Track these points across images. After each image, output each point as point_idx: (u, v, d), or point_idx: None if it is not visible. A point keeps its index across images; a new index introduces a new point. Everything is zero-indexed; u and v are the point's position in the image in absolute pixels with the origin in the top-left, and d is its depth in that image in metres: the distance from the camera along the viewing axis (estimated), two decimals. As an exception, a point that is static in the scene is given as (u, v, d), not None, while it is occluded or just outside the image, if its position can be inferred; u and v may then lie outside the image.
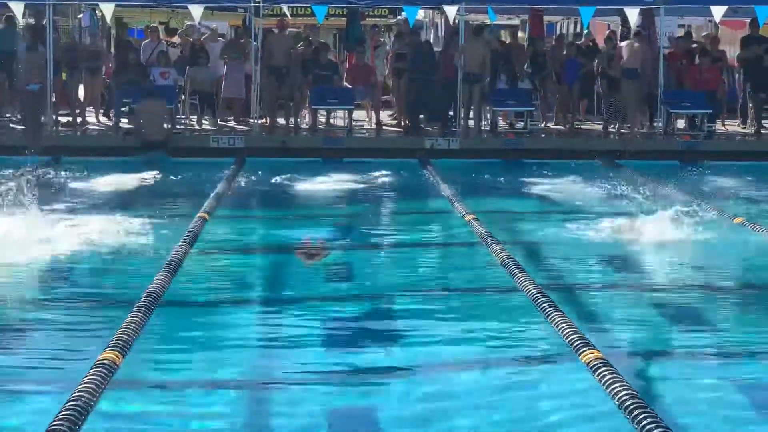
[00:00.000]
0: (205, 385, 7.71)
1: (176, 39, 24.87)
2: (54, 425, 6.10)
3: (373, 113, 22.94)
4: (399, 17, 25.87)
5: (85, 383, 6.86)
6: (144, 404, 7.32)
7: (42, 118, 20.96)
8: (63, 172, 17.63)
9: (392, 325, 9.08)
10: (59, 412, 6.30)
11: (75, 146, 20.18)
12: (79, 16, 25.92)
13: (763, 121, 21.78)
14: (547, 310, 8.85)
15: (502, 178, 18.37)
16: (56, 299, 9.61)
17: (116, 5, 21.85)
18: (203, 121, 22.18)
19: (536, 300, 9.21)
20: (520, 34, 28.58)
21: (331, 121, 22.50)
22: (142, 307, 8.71)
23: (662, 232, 12.02)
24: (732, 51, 23.85)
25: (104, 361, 7.32)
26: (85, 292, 9.83)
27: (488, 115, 22.22)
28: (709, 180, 17.32)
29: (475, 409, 7.22)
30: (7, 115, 22.15)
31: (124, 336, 7.93)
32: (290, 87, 21.69)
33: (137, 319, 8.38)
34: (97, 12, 24.13)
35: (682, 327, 9.27)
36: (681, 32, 25.94)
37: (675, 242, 11.70)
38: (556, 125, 23.18)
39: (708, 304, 9.93)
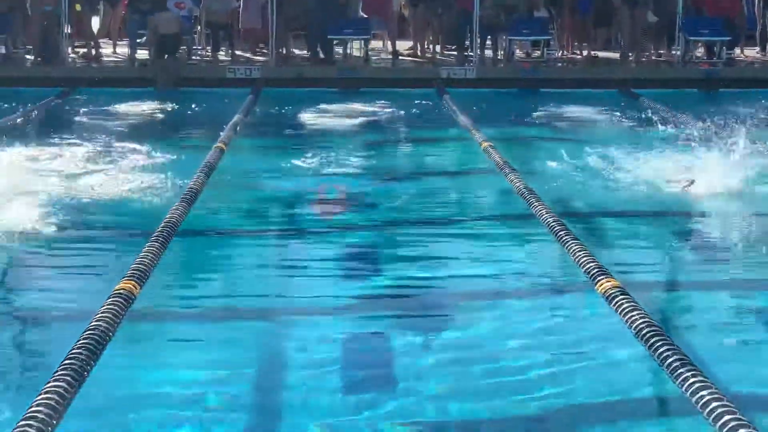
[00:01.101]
0: (223, 315, 7.73)
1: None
2: (72, 354, 6.12)
3: (389, 43, 22.82)
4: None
5: (102, 313, 6.88)
6: (162, 334, 7.34)
7: (58, 44, 20.89)
8: (79, 103, 17.61)
9: (408, 253, 9.07)
10: (77, 342, 6.32)
11: (91, 77, 20.16)
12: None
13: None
14: (564, 238, 8.83)
15: (518, 108, 18.28)
16: (73, 230, 9.62)
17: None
18: (219, 53, 22.11)
19: (552, 228, 9.19)
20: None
21: (348, 51, 22.40)
22: (159, 237, 8.72)
23: (681, 161, 11.96)
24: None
25: (121, 291, 7.34)
26: (101, 223, 9.84)
27: (505, 45, 22.07)
28: (728, 107, 17.19)
29: (491, 337, 7.22)
30: (21, 48, 22.09)
31: (141, 266, 7.94)
32: (306, 16, 21.56)
33: (154, 250, 8.39)
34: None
35: (701, 256, 9.24)
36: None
37: (695, 170, 11.63)
38: (572, 54, 23.02)
39: (729, 232, 9.86)
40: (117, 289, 7.35)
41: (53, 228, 9.58)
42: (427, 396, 6.31)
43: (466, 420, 6.06)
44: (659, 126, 14.24)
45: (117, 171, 11.97)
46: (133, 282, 7.57)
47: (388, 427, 5.85)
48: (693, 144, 12.17)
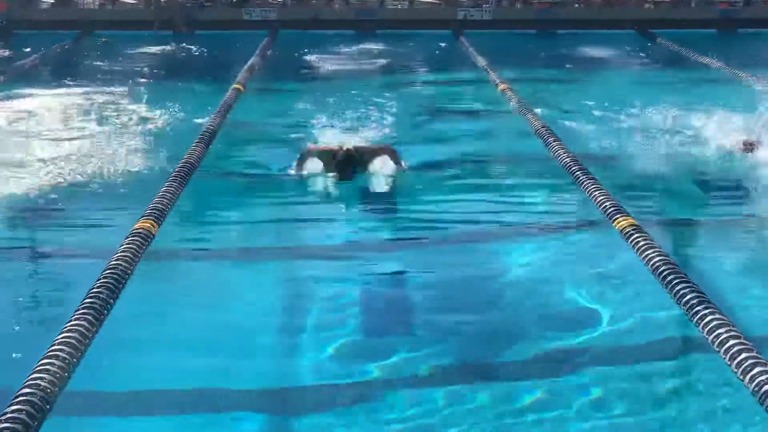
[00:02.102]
0: (240, 253, 7.75)
1: None
2: (93, 292, 6.17)
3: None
4: None
5: (121, 251, 6.93)
6: (179, 273, 7.37)
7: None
8: (95, 46, 17.59)
9: (425, 193, 9.04)
10: (98, 279, 6.37)
11: (107, 20, 20.13)
12: None
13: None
14: (581, 178, 8.84)
15: (534, 49, 18.19)
16: (91, 169, 9.64)
17: None
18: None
19: (570, 168, 9.20)
20: None
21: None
22: (177, 177, 8.76)
23: (697, 101, 11.91)
24: None
25: (140, 230, 7.38)
26: (120, 162, 9.85)
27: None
28: (746, 48, 17.08)
29: (508, 273, 7.23)
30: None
31: (159, 205, 7.98)
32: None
33: (172, 189, 8.43)
34: None
35: (717, 194, 9.20)
36: None
37: (711, 110, 11.58)
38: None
39: (748, 171, 9.79)
40: (135, 228, 7.39)
41: (70, 168, 9.60)
42: (448, 326, 6.35)
43: (486, 351, 6.09)
44: (675, 66, 14.16)
45: (134, 112, 11.98)
46: (151, 221, 7.62)
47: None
48: (709, 84, 12.11)
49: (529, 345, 6.17)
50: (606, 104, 12.53)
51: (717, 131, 10.74)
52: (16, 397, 4.95)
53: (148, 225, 7.52)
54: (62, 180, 9.24)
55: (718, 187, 9.40)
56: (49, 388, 5.06)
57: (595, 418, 5.38)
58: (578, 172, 9.01)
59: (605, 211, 7.98)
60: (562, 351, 6.11)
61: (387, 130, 11.15)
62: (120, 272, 6.57)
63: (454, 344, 6.15)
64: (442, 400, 5.53)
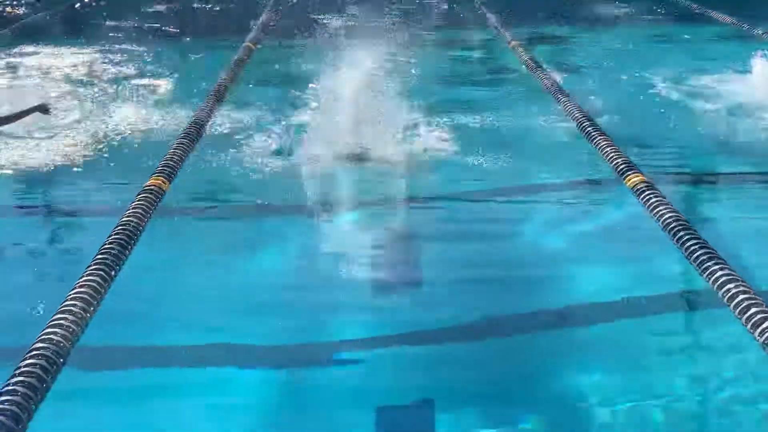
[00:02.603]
0: (252, 210, 7.77)
1: None
2: (105, 248, 6.21)
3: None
4: None
5: (132, 208, 6.96)
6: (190, 229, 7.39)
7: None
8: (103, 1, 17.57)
9: (436, 155, 9.02)
10: (109, 236, 6.41)
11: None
12: None
13: None
14: (593, 135, 8.84)
15: (545, 5, 18.10)
16: (102, 125, 9.66)
17: None
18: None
19: (581, 125, 9.20)
20: None
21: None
22: (187, 134, 8.78)
23: (711, 58, 11.87)
24: None
25: (151, 187, 7.41)
26: (130, 119, 9.87)
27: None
28: (763, 4, 16.96)
29: (519, 230, 7.26)
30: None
31: (170, 163, 8.00)
32: None
33: (183, 146, 8.45)
34: None
35: (730, 151, 9.19)
36: None
37: (726, 67, 11.54)
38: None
39: (762, 129, 9.77)
40: (147, 185, 7.42)
41: (79, 124, 9.63)
42: (457, 280, 6.39)
43: (493, 305, 6.13)
44: (690, 22, 14.10)
45: (145, 68, 11.98)
46: (162, 178, 7.65)
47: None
48: (725, 41, 12.07)
49: (536, 299, 6.20)
50: (619, 60, 12.51)
51: (732, 88, 10.72)
52: (30, 351, 4.99)
53: (159, 182, 7.55)
54: (72, 137, 9.26)
55: (731, 144, 9.38)
56: (62, 343, 5.11)
57: (602, 372, 5.42)
58: (589, 128, 9.01)
59: (616, 168, 7.99)
60: (569, 306, 6.14)
61: (396, 85, 11.09)
62: (132, 228, 6.60)
63: (460, 298, 6.19)
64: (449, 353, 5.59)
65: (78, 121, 9.72)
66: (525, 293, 6.32)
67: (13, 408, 4.55)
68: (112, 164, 8.64)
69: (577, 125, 9.26)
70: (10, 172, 8.38)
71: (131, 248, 6.38)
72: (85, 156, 8.81)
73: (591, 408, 5.12)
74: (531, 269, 6.63)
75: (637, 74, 11.83)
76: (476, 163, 8.63)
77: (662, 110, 10.33)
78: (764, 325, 5.26)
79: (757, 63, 11.10)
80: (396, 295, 6.29)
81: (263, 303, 6.19)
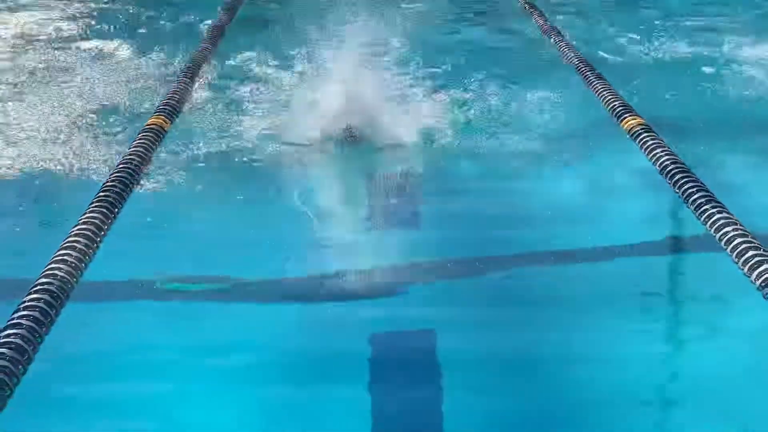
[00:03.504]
0: (250, 146, 7.75)
1: None
2: (107, 186, 6.24)
3: None
4: None
5: (134, 147, 6.97)
6: (189, 169, 7.39)
7: None
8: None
9: (433, 98, 9.02)
10: (111, 174, 6.43)
11: None
12: None
13: None
14: (589, 77, 8.84)
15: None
16: (101, 65, 9.66)
17: None
18: None
19: (578, 68, 9.19)
20: None
21: None
22: (187, 73, 8.77)
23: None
24: None
25: (152, 126, 7.42)
26: (128, 59, 9.86)
27: None
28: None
29: (514, 173, 7.27)
30: None
31: (171, 101, 8.00)
32: None
33: (183, 86, 8.45)
34: None
35: (729, 94, 9.20)
36: None
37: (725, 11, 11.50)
38: None
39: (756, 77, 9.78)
40: (148, 124, 7.43)
41: (80, 62, 9.62)
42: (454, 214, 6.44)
43: (488, 245, 6.17)
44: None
45: (141, 11, 11.94)
46: (163, 117, 7.65)
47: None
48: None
49: (532, 240, 6.25)
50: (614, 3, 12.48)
51: (730, 35, 10.71)
52: (34, 286, 5.02)
53: (161, 121, 7.55)
54: (72, 75, 9.26)
55: (727, 89, 9.39)
56: (66, 278, 5.14)
57: (598, 311, 5.47)
58: (587, 72, 9.01)
59: (613, 111, 8.00)
60: (566, 250, 6.19)
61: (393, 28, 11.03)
62: (134, 167, 6.62)
63: (458, 233, 6.23)
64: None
65: (77, 58, 9.71)
66: (523, 236, 6.36)
67: (18, 341, 4.59)
68: (109, 102, 8.64)
69: (573, 68, 9.26)
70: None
71: (133, 186, 6.41)
72: (83, 96, 8.81)
73: (586, 350, 5.18)
74: (529, 212, 6.65)
75: (637, 17, 11.80)
76: (469, 104, 8.61)
77: (665, 50, 10.30)
78: (761, 269, 5.29)
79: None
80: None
81: (260, 240, 6.24)
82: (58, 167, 7.27)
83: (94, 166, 7.27)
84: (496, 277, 6.03)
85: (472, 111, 8.45)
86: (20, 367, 4.47)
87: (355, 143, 7.34)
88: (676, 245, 6.41)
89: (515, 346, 5.23)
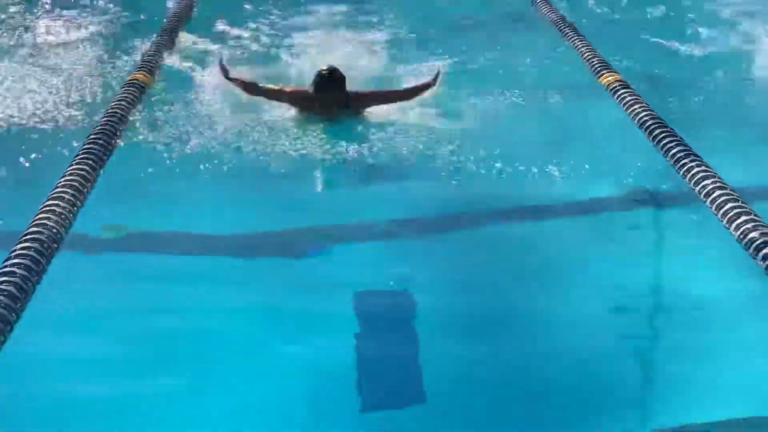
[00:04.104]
0: (230, 97, 7.73)
1: None
2: (92, 137, 6.29)
3: None
4: None
5: (117, 100, 7.03)
6: (173, 124, 7.37)
7: None
8: None
9: (423, 51, 9.00)
10: (96, 127, 6.48)
11: None
12: None
13: None
14: (569, 34, 8.91)
15: None
16: (86, 22, 9.64)
17: None
18: None
19: (557, 25, 9.25)
20: None
21: None
22: (167, 29, 8.81)
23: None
24: None
25: (134, 81, 7.47)
26: (110, 16, 9.84)
27: None
28: None
29: (495, 132, 7.29)
30: None
31: (153, 58, 8.05)
32: None
33: (164, 41, 8.49)
34: None
35: (702, 48, 9.22)
36: None
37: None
38: None
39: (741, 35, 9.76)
40: (131, 79, 7.48)
41: (65, 22, 9.60)
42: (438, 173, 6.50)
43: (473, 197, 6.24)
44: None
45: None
46: (144, 72, 7.70)
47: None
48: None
49: (513, 195, 6.30)
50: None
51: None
52: (24, 235, 5.07)
53: (141, 76, 7.60)
54: (54, 34, 9.25)
55: (707, 45, 9.42)
56: (55, 228, 5.18)
57: (577, 264, 5.53)
58: (565, 29, 9.07)
59: (592, 67, 8.08)
60: (546, 204, 6.24)
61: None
62: (117, 119, 6.68)
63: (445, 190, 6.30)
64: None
65: (55, 22, 9.69)
66: (501, 189, 6.41)
67: (11, 289, 4.63)
68: (95, 60, 8.63)
69: (553, 25, 9.32)
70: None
71: (118, 138, 6.46)
72: (68, 50, 8.80)
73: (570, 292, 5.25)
74: (507, 166, 6.67)
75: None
76: (453, 67, 8.61)
77: (639, 9, 10.29)
78: (739, 221, 5.38)
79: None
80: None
81: (243, 190, 6.31)
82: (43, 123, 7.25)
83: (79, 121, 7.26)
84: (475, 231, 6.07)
85: (451, 71, 8.42)
86: (14, 315, 4.53)
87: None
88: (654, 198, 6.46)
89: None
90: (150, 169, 6.47)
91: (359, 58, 8.57)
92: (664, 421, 4.33)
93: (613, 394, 4.50)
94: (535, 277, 5.46)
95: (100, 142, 6.26)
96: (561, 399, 4.43)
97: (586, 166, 6.64)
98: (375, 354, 4.80)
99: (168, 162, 6.57)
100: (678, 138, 6.41)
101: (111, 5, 10.23)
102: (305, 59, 8.54)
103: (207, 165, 6.51)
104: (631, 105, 7.13)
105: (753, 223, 5.27)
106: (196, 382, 4.54)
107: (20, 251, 4.92)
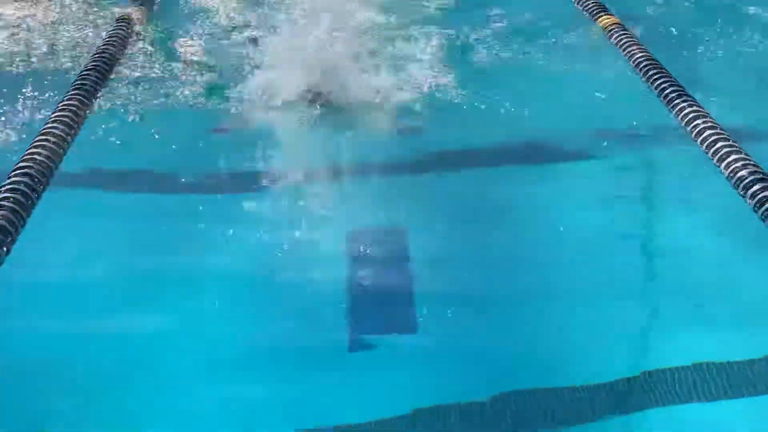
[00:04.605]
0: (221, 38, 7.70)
1: None
2: (83, 74, 6.30)
3: None
4: None
5: (109, 37, 7.02)
6: (167, 61, 7.34)
7: None
8: None
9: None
10: (87, 63, 6.48)
11: None
12: None
13: None
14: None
15: None
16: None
17: None
18: None
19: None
20: None
21: None
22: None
23: None
24: None
25: (125, 17, 7.47)
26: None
27: None
28: None
29: (495, 75, 7.26)
30: None
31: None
32: None
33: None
34: None
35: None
36: None
37: None
38: None
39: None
40: (122, 15, 7.47)
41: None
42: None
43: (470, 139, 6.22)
44: None
45: None
46: (137, 8, 7.71)
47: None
48: None
49: (505, 133, 6.28)
50: None
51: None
52: (15, 169, 5.09)
53: (133, 12, 7.60)
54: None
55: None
56: (45, 162, 5.20)
57: (577, 203, 5.52)
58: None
59: (587, 9, 8.05)
60: (537, 142, 6.21)
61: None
62: (109, 57, 6.67)
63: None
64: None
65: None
66: (497, 126, 6.38)
67: (2, 222, 4.66)
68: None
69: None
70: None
71: (109, 75, 6.46)
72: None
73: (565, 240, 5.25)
74: (501, 105, 6.65)
75: None
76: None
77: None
78: (729, 159, 5.42)
79: None
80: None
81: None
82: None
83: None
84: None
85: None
86: (3, 248, 4.55)
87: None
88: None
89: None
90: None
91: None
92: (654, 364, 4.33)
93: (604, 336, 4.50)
94: (521, 219, 5.42)
95: (91, 78, 6.26)
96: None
97: (579, 107, 6.63)
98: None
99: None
100: (671, 79, 6.44)
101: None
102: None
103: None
104: (628, 47, 7.14)
105: (743, 162, 5.31)
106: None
107: (10, 185, 4.94)
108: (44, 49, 7.40)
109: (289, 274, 4.77)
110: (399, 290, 4.73)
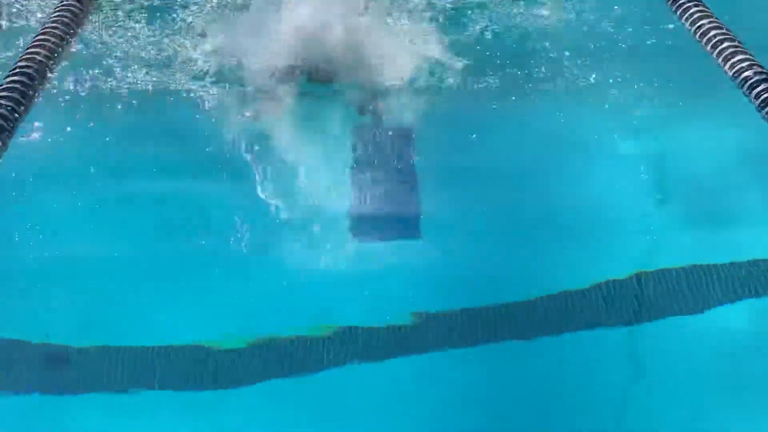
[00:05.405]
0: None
1: None
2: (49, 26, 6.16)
3: None
4: None
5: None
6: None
7: None
8: None
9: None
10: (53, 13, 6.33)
11: None
12: None
13: None
14: None
15: None
16: None
17: None
18: None
19: None
20: None
21: None
22: None
23: None
24: None
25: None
26: None
27: None
28: None
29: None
30: None
31: None
32: None
33: None
34: None
35: None
36: None
37: None
38: None
39: None
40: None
41: None
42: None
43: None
44: None
45: None
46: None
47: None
48: None
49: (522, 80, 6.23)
50: None
51: None
52: (13, 69, 5.07)
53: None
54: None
55: None
56: (43, 62, 5.18)
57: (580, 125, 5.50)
58: None
59: None
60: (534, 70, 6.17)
61: None
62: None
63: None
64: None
65: None
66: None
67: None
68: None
69: None
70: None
71: (77, 31, 6.35)
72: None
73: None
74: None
75: None
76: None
77: None
78: (735, 59, 5.39)
79: None
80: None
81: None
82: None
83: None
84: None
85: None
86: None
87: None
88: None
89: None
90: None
91: None
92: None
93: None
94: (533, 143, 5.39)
95: (58, 31, 6.15)
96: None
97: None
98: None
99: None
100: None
101: None
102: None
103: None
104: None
105: (748, 62, 5.28)
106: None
107: (8, 84, 4.92)
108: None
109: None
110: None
